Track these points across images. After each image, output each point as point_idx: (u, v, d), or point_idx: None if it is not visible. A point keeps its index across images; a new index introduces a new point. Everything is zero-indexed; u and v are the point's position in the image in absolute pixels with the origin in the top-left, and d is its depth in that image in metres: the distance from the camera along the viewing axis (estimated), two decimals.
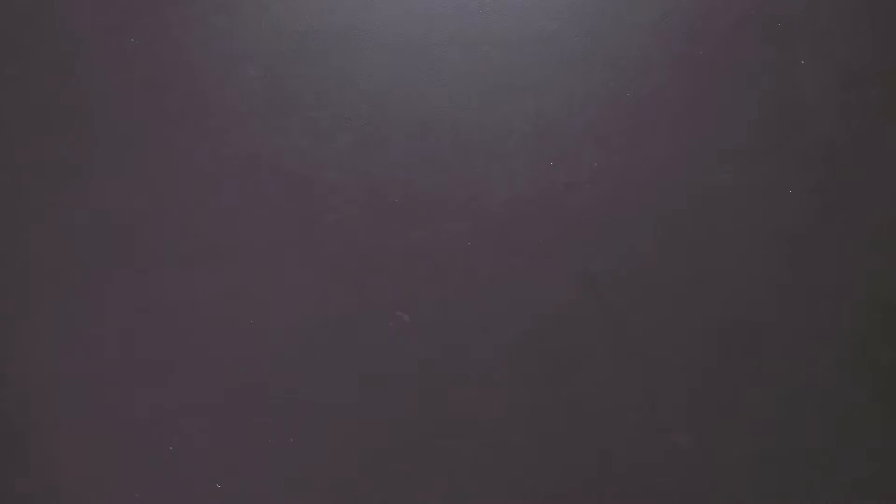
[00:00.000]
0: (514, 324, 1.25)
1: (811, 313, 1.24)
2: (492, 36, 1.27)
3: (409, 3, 1.28)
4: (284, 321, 1.26)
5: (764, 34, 1.26)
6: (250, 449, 1.26)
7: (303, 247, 1.26)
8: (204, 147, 1.28)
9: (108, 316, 1.27)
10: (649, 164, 1.25)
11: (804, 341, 1.24)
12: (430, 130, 1.27)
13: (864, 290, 1.24)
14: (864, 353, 1.23)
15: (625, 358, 1.24)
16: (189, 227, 1.27)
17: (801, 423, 1.23)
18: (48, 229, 1.28)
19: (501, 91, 1.27)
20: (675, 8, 1.27)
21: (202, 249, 1.27)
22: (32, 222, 1.28)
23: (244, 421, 1.27)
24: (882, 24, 1.25)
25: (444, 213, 1.26)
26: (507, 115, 1.26)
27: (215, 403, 1.27)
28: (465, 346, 1.25)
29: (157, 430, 1.26)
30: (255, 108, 1.27)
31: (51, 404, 1.28)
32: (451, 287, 1.26)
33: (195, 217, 1.27)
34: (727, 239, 1.25)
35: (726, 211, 1.25)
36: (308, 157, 1.27)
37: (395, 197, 1.26)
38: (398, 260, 1.26)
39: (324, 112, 1.27)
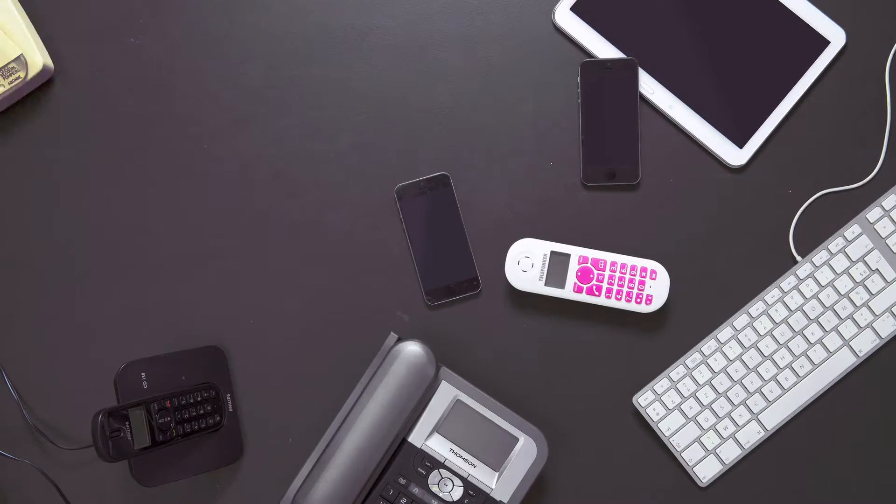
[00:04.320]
0: (516, 323, 1.37)
1: None
2: (492, 36, 1.39)
3: (410, 4, 1.39)
4: (284, 320, 1.37)
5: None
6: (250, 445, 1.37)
7: (302, 246, 1.37)
8: (203, 147, 1.38)
9: (107, 316, 1.38)
10: (650, 164, 1.38)
11: None
12: (430, 130, 1.38)
13: None
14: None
15: (626, 356, 1.37)
16: (189, 225, 1.38)
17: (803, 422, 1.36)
18: (47, 227, 1.38)
19: (501, 91, 1.39)
20: None
21: (201, 248, 1.38)
22: (33, 219, 1.38)
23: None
24: None
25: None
26: (507, 115, 1.38)
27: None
28: (467, 344, 1.37)
29: None
30: (255, 108, 1.39)
31: None
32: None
33: (194, 216, 1.38)
34: (727, 237, 1.37)
35: (727, 210, 1.37)
36: (308, 157, 1.38)
37: (395, 197, 1.36)
38: (398, 259, 1.37)
39: (324, 112, 1.38)
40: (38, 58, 1.31)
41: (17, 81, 1.27)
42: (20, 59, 1.27)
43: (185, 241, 1.39)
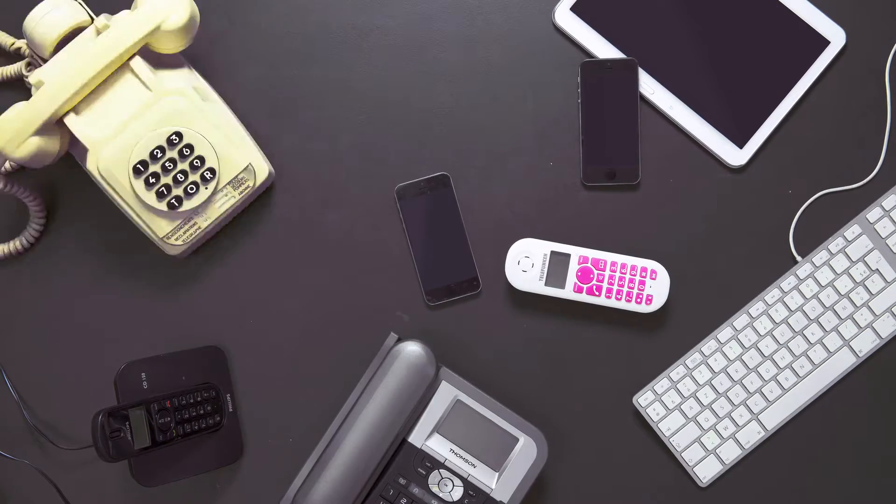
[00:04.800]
0: (516, 323, 1.37)
1: None
2: (492, 36, 1.40)
3: (410, 4, 1.40)
4: (284, 320, 1.38)
5: None
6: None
7: (302, 246, 1.38)
8: None
9: (108, 316, 1.38)
10: (650, 164, 1.39)
11: None
12: (430, 130, 1.39)
13: None
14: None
15: (626, 356, 1.37)
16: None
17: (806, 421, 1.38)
18: (48, 226, 1.38)
19: (501, 91, 1.40)
20: None
21: (202, 247, 1.38)
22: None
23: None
24: None
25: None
26: (507, 114, 1.39)
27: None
28: (467, 344, 1.37)
29: None
30: (255, 108, 1.39)
31: None
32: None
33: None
34: (727, 237, 1.38)
35: (727, 210, 1.38)
36: (308, 157, 1.39)
37: (395, 197, 1.37)
38: (398, 259, 1.38)
39: (324, 112, 1.39)
40: (265, 165, 1.33)
41: (246, 191, 1.30)
42: (249, 169, 1.29)
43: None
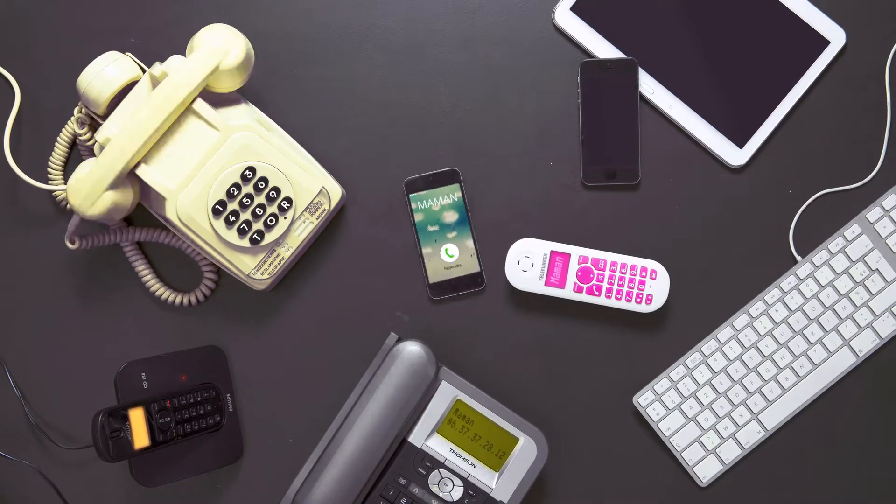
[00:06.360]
0: (516, 323, 1.38)
1: None
2: (492, 36, 1.40)
3: (410, 4, 1.40)
4: (284, 320, 1.38)
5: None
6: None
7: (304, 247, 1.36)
8: None
9: (108, 316, 1.39)
10: (650, 164, 1.39)
11: None
12: (431, 131, 1.39)
13: None
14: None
15: (626, 356, 1.38)
16: None
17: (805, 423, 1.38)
18: (49, 224, 1.39)
19: (501, 91, 1.40)
20: None
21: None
22: (34, 216, 1.39)
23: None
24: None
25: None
26: (507, 114, 1.39)
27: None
28: (467, 344, 1.37)
29: None
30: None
31: None
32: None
33: None
34: (727, 237, 1.38)
35: (727, 210, 1.38)
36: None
37: (395, 197, 1.38)
38: (398, 259, 1.38)
39: (324, 112, 1.39)
40: (336, 186, 1.34)
41: (323, 214, 1.31)
42: (322, 192, 1.30)
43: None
